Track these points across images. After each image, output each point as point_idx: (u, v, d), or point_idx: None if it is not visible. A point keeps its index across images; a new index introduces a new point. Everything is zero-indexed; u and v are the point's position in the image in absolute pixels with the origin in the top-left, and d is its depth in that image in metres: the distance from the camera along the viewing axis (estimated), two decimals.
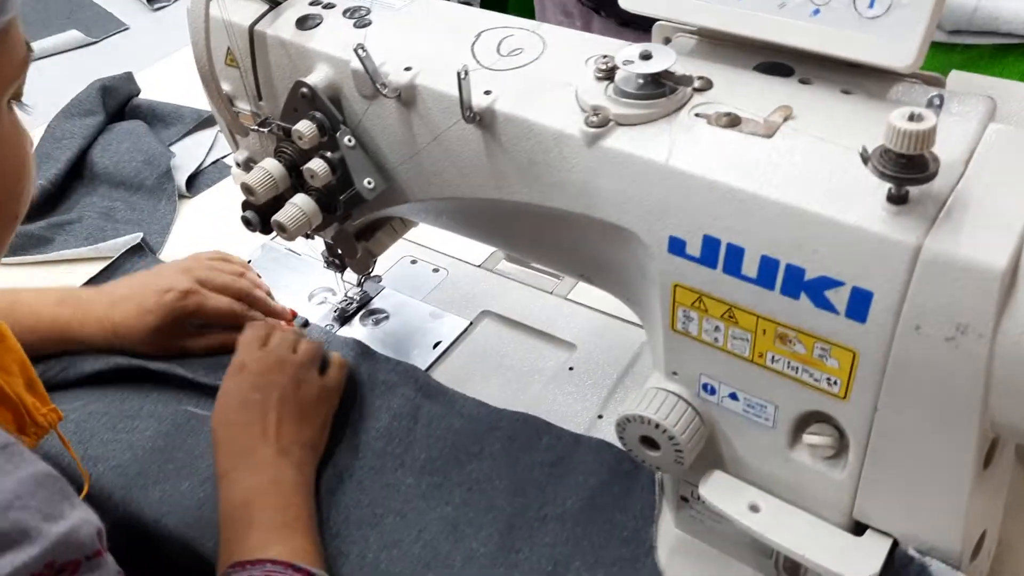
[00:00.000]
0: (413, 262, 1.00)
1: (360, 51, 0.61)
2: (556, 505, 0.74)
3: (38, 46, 1.44)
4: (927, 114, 0.46)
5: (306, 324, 0.92)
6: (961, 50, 1.23)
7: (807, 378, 0.55)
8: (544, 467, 0.77)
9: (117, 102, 1.23)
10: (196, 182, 1.17)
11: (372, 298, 0.95)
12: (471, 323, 0.92)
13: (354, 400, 0.83)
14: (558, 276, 0.96)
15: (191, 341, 0.87)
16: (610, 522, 0.72)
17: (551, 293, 0.94)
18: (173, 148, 1.20)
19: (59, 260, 1.02)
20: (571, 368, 0.86)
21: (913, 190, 0.48)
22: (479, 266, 0.98)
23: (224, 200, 1.11)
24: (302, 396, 0.77)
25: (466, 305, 0.94)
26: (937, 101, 0.52)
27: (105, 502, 0.75)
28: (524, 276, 0.96)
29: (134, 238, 1.02)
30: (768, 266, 0.52)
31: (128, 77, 1.27)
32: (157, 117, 1.24)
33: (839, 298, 0.50)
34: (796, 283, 0.51)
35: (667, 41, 0.66)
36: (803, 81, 0.58)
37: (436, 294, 0.96)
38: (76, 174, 1.15)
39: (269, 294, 0.92)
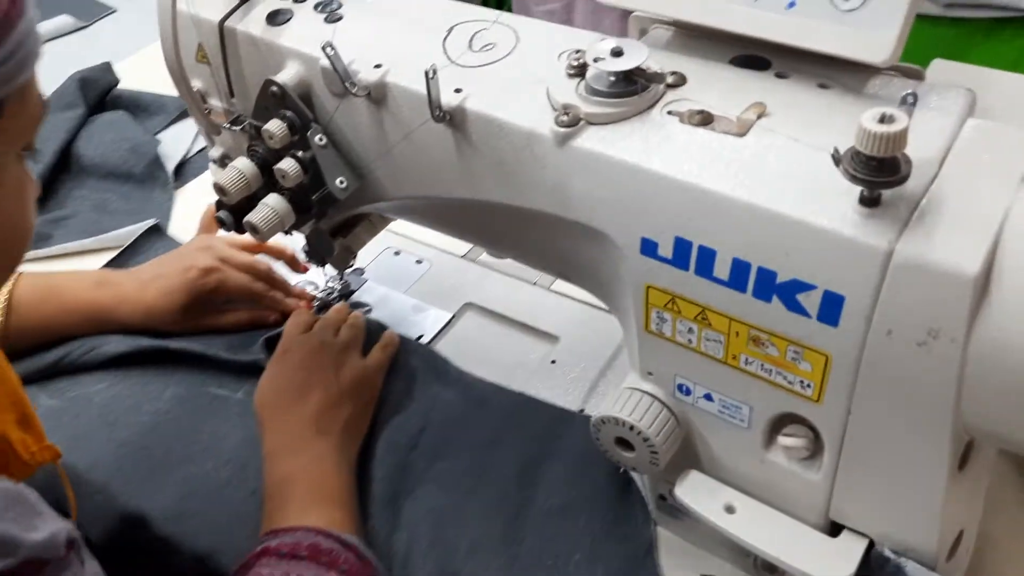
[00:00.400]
0: (396, 253, 0.99)
1: (328, 49, 0.60)
2: (561, 497, 0.74)
3: None
4: (899, 115, 0.45)
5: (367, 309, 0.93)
6: (954, 24, 1.22)
7: (781, 380, 0.54)
8: (555, 459, 0.76)
9: (97, 93, 1.21)
10: (182, 172, 1.15)
11: (355, 291, 0.94)
12: (454, 316, 0.91)
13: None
14: None
15: (219, 318, 0.88)
16: (613, 517, 0.72)
17: (534, 284, 0.93)
18: (158, 138, 1.19)
19: (62, 254, 1.01)
20: (553, 361, 0.85)
21: (886, 192, 0.47)
22: (462, 257, 0.98)
23: (212, 190, 1.10)
24: (343, 379, 0.78)
25: (449, 297, 0.93)
26: (911, 99, 0.51)
27: (131, 484, 0.76)
28: (507, 267, 0.95)
29: (142, 226, 1.01)
30: (740, 269, 0.51)
31: (106, 68, 1.25)
32: (139, 107, 1.22)
33: (811, 302, 0.49)
34: (768, 286, 0.51)
35: (643, 32, 0.65)
36: (779, 75, 0.57)
37: (419, 286, 0.95)
38: (62, 168, 1.13)
39: (294, 261, 0.92)
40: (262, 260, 0.90)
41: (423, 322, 0.90)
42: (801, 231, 0.48)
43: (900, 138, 0.44)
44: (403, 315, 0.91)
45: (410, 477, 0.76)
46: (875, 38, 0.52)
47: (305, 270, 0.92)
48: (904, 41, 0.52)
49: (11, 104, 0.47)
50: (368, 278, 0.96)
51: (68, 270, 0.89)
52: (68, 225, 1.05)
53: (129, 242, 1.00)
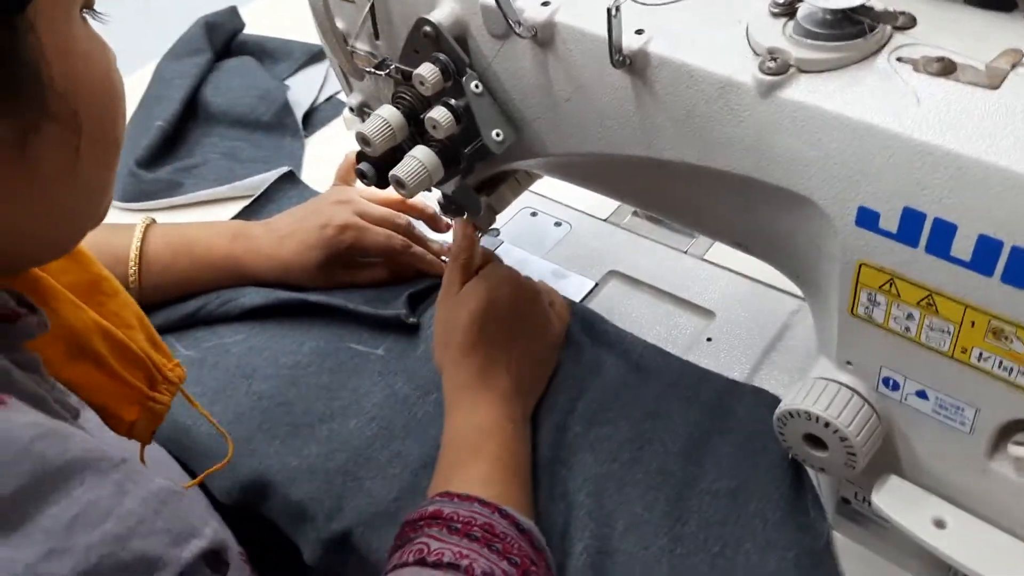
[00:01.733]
0: (533, 214, 0.92)
1: None
2: (731, 478, 0.67)
3: None
4: None
5: None
6: None
7: None
8: (725, 437, 0.70)
9: (223, 39, 1.18)
10: (311, 120, 1.11)
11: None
12: (596, 284, 0.84)
13: None
14: (692, 234, 0.87)
15: (357, 273, 0.84)
16: (787, 505, 0.65)
17: (685, 252, 0.85)
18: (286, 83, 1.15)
19: (195, 203, 0.99)
20: (709, 339, 0.77)
21: None
22: (605, 220, 0.90)
23: (343, 139, 1.05)
24: (551, 334, 0.75)
25: (591, 264, 0.86)
26: None
27: (275, 440, 0.73)
28: (655, 233, 0.88)
29: (276, 173, 0.98)
30: (987, 248, 0.43)
31: (232, 12, 1.21)
32: (265, 53, 1.19)
33: None
34: None
35: None
36: None
37: (559, 250, 0.88)
38: (190, 115, 1.10)
39: (435, 218, 0.87)
40: (401, 215, 0.85)
41: (564, 289, 0.83)
42: None
43: None
44: (542, 281, 0.85)
45: (567, 443, 0.71)
46: None
47: (447, 228, 0.86)
48: None
49: None
50: (504, 240, 0.90)
51: (202, 221, 0.86)
52: (199, 173, 1.02)
53: (262, 190, 0.96)
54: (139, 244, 0.78)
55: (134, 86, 1.15)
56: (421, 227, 0.87)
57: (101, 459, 0.40)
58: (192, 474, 0.73)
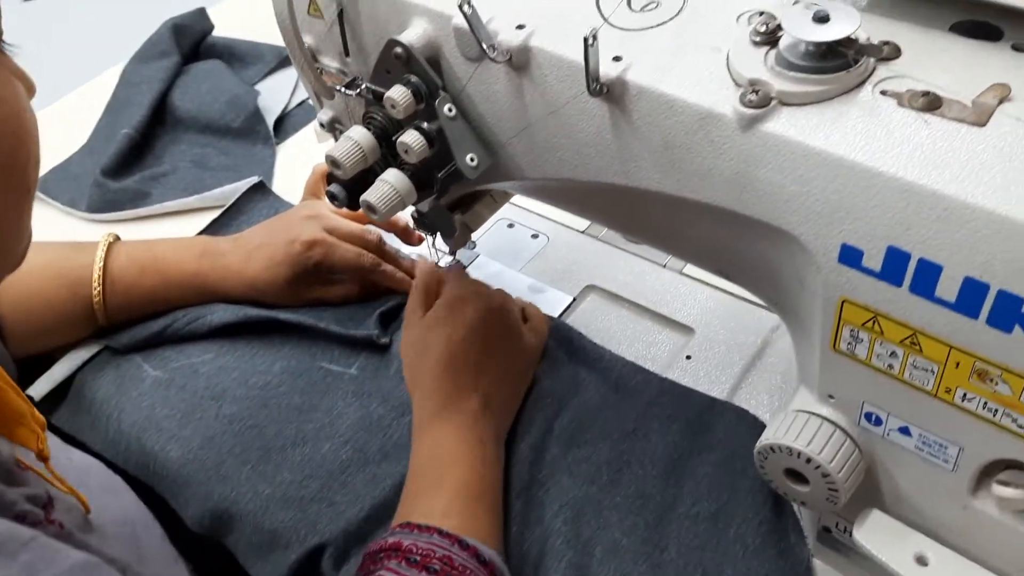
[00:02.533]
0: (510, 226, 0.91)
1: (465, 7, 0.52)
2: (710, 502, 0.66)
3: None
4: None
5: None
6: None
7: (1009, 423, 0.45)
8: (704, 456, 0.69)
9: (191, 41, 1.15)
10: (282, 126, 1.08)
11: (466, 267, 0.86)
12: (574, 299, 0.83)
13: None
14: None
15: (327, 290, 0.82)
16: (768, 529, 0.64)
17: (664, 266, 0.84)
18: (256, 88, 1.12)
19: (163, 214, 0.97)
20: (688, 357, 0.76)
21: None
22: (583, 232, 0.89)
23: (316, 145, 1.03)
24: (525, 352, 0.72)
25: (569, 278, 0.85)
26: None
27: (241, 465, 0.71)
28: (633, 245, 0.86)
29: (246, 183, 0.95)
30: (973, 290, 0.42)
31: (201, 13, 1.18)
32: (235, 56, 1.16)
33: None
34: (1011, 314, 0.41)
35: None
36: (1017, 47, 0.47)
37: (536, 264, 0.87)
38: (157, 121, 1.08)
39: (408, 231, 0.85)
40: (373, 229, 0.83)
41: (541, 305, 0.82)
42: None
43: None
44: (518, 295, 0.83)
45: (544, 465, 0.69)
46: None
47: (420, 241, 0.84)
48: None
49: None
50: (480, 253, 0.88)
51: (169, 238, 0.83)
52: (167, 182, 0.99)
53: (232, 201, 0.94)
54: (102, 263, 0.76)
55: (99, 90, 1.12)
56: (396, 239, 0.85)
57: (7, 540, 0.38)
58: (160, 501, 0.71)
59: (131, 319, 0.79)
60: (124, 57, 1.13)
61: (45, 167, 1.01)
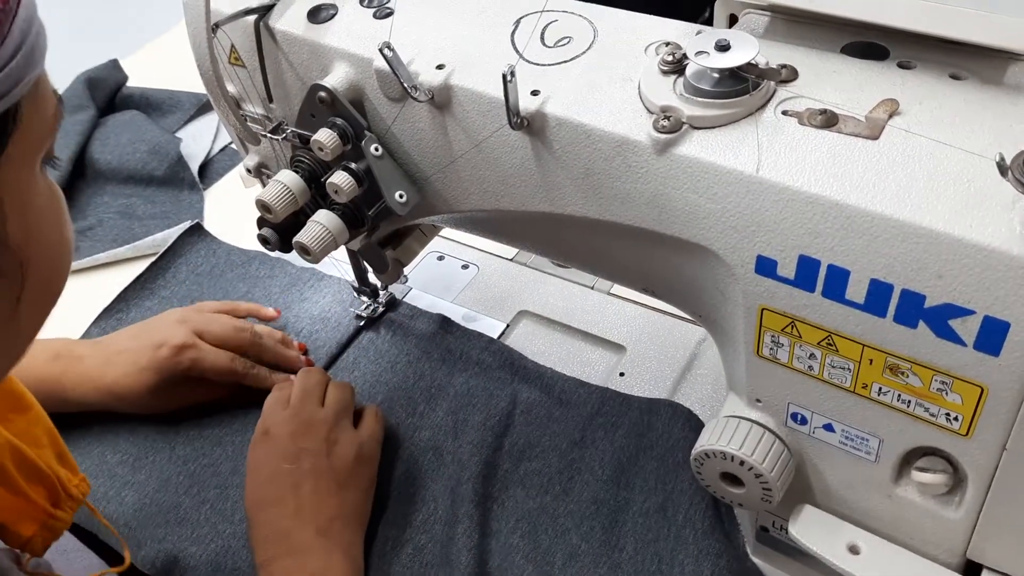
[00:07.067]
0: (440, 258, 0.92)
1: (386, 51, 0.53)
2: (658, 495, 0.69)
3: None
4: None
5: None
6: None
7: (921, 412, 0.48)
8: (648, 453, 0.72)
9: (106, 94, 1.14)
10: (207, 172, 1.08)
11: (399, 301, 0.88)
12: (508, 325, 0.85)
13: (450, 379, 0.79)
14: None
15: (196, 391, 0.77)
16: (714, 512, 0.67)
17: (592, 288, 0.87)
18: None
19: (94, 266, 0.95)
20: (622, 374, 0.79)
21: None
22: (512, 260, 0.91)
23: (242, 191, 1.03)
24: (337, 460, 0.68)
25: (501, 305, 0.86)
26: None
27: (199, 505, 0.71)
28: (562, 270, 0.89)
29: (180, 228, 0.95)
30: (879, 291, 0.45)
31: (114, 65, 1.18)
32: (152, 106, 1.15)
33: (967, 328, 0.43)
34: (914, 311, 0.44)
35: (733, 19, 0.58)
36: (903, 65, 0.50)
37: (468, 293, 0.88)
38: (78, 174, 1.06)
39: (285, 340, 0.82)
40: (245, 325, 0.79)
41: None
42: (957, 250, 0.42)
43: None
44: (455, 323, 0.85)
45: (497, 480, 0.71)
46: (1020, 23, 0.46)
47: (304, 351, 0.83)
48: None
49: (26, 105, 0.39)
50: (412, 286, 0.89)
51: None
52: (95, 235, 0.98)
53: (167, 245, 0.93)
54: None
55: None
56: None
57: None
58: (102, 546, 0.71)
59: None
60: None
61: None
